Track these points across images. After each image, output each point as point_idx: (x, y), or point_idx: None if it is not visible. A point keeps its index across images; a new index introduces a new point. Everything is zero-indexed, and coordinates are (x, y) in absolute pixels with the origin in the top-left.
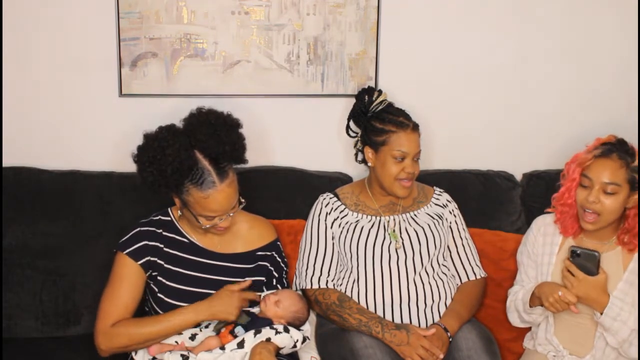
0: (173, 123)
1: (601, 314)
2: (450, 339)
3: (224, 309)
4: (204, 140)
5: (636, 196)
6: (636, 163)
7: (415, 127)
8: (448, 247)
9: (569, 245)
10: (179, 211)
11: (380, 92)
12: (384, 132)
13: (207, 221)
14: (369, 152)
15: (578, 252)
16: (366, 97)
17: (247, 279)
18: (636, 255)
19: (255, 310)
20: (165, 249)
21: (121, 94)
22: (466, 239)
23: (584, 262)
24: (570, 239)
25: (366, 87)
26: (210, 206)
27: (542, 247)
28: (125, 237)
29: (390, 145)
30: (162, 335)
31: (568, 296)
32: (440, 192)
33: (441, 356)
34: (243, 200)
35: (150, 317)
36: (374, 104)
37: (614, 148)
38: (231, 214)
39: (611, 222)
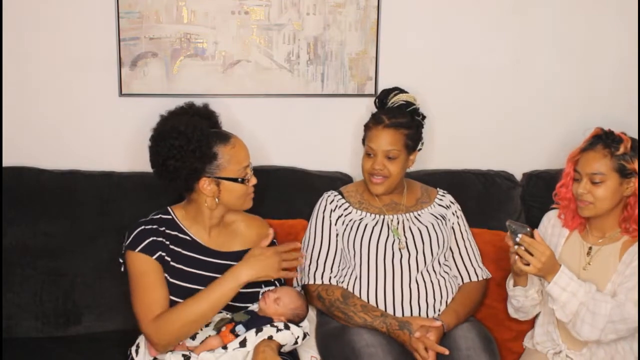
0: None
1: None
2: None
3: (266, 265)
4: (195, 122)
5: (632, 184)
6: (622, 150)
7: (391, 125)
8: (450, 248)
9: (565, 235)
10: (215, 198)
11: (397, 92)
12: (366, 128)
13: (250, 175)
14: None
15: (513, 227)
16: (377, 101)
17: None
18: (632, 247)
19: (255, 308)
20: (170, 246)
21: (121, 94)
22: (469, 240)
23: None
24: (576, 233)
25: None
26: (241, 153)
27: (550, 237)
28: (131, 238)
29: (367, 140)
30: (209, 310)
31: (522, 267)
32: (443, 193)
33: (447, 352)
34: None
35: (190, 298)
36: (388, 105)
37: (599, 139)
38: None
39: (608, 210)
